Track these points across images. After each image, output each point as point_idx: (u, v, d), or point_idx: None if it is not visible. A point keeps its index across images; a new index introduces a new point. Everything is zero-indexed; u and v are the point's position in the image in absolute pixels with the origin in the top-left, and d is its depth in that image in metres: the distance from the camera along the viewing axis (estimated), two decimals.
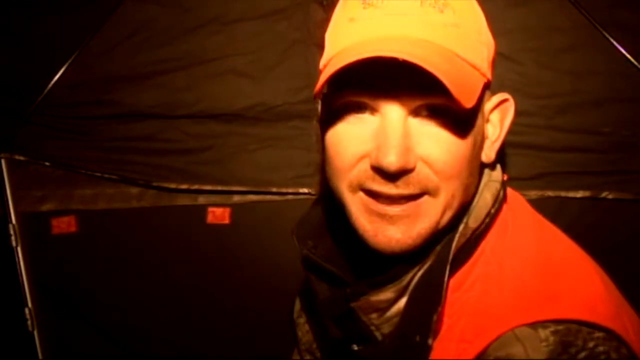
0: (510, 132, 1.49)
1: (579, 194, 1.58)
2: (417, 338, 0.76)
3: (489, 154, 0.83)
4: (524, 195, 1.51)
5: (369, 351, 0.86)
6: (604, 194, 1.57)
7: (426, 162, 0.74)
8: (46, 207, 1.73)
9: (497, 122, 0.84)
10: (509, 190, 0.90)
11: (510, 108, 0.84)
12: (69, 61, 1.61)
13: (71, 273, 1.75)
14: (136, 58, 1.63)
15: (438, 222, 0.77)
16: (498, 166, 0.87)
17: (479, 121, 0.79)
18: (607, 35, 1.49)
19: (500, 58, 1.49)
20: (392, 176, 0.73)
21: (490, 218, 0.82)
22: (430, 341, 0.75)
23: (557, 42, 1.52)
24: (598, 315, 0.72)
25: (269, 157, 1.64)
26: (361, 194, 0.77)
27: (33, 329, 1.75)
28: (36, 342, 1.76)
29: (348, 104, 0.76)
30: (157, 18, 1.61)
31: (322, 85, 0.74)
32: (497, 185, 0.84)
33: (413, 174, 0.74)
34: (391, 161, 0.71)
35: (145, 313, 1.75)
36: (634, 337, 0.75)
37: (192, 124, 1.66)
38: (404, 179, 0.74)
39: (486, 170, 0.85)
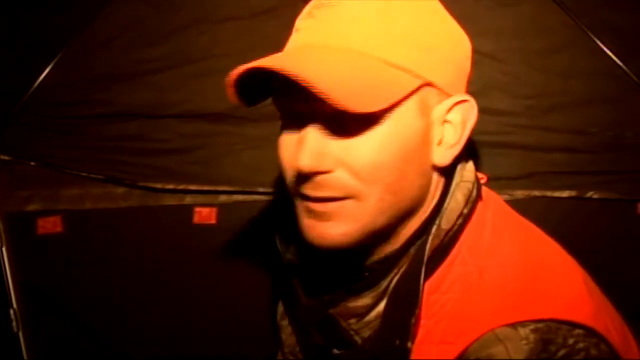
0: (497, 132, 1.53)
1: (565, 194, 1.59)
2: (397, 342, 0.76)
3: (442, 157, 0.81)
4: (510, 195, 1.56)
5: (349, 355, 0.86)
6: (589, 194, 1.58)
7: (344, 166, 0.75)
8: (32, 207, 1.71)
9: (458, 124, 0.81)
10: (487, 191, 0.90)
11: (471, 109, 0.81)
12: (55, 60, 1.60)
13: (57, 273, 1.73)
14: (123, 57, 1.62)
15: (369, 225, 0.78)
16: (471, 166, 0.87)
17: (414, 124, 0.77)
18: (593, 37, 1.50)
19: (487, 58, 1.52)
20: (310, 178, 0.76)
21: (464, 218, 0.82)
22: (409, 345, 0.76)
23: (544, 43, 1.53)
24: (578, 313, 0.73)
25: (256, 157, 1.64)
26: (299, 196, 0.80)
27: (18, 330, 1.73)
28: (21, 343, 1.74)
29: (282, 112, 0.81)
30: (145, 17, 1.61)
31: (233, 95, 0.78)
32: (469, 186, 0.83)
33: (331, 177, 0.76)
34: (303, 164, 0.74)
35: (131, 313, 1.74)
36: (615, 335, 0.76)
37: (179, 123, 1.65)
38: (322, 181, 0.76)
39: (457, 171, 0.84)
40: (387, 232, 0.82)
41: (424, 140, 0.78)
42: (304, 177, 0.77)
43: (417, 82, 0.76)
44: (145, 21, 1.60)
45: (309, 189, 0.77)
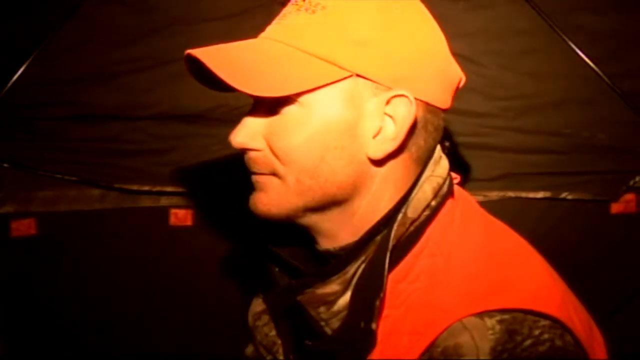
0: (472, 133, 1.54)
1: (540, 195, 1.61)
2: (362, 324, 0.78)
3: (375, 150, 0.81)
4: (485, 196, 1.57)
5: (319, 346, 0.87)
6: (563, 195, 1.60)
7: (269, 146, 0.83)
8: (5, 209, 1.68)
9: (399, 119, 0.80)
10: (459, 190, 0.92)
11: (407, 105, 0.79)
12: (29, 60, 1.57)
13: (31, 276, 1.71)
14: (98, 58, 1.60)
15: (289, 203, 0.85)
16: (445, 163, 0.89)
17: (338, 112, 0.80)
18: (566, 39, 1.52)
19: (461, 60, 1.51)
20: (247, 154, 0.86)
21: (431, 210, 0.84)
22: (374, 325, 0.77)
23: (518, 45, 1.55)
24: (543, 304, 0.74)
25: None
26: None
27: None
28: None
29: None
30: (120, 18, 1.59)
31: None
32: (440, 180, 0.86)
33: (259, 155, 0.84)
34: (233, 140, 0.84)
35: (107, 315, 1.72)
36: (579, 326, 0.77)
37: (155, 125, 1.64)
38: (253, 158, 0.85)
39: (429, 166, 0.86)
40: (332, 216, 0.86)
41: (351, 130, 0.80)
42: (244, 153, 0.87)
43: (342, 74, 0.79)
44: (120, 22, 1.59)
45: (248, 163, 0.87)
